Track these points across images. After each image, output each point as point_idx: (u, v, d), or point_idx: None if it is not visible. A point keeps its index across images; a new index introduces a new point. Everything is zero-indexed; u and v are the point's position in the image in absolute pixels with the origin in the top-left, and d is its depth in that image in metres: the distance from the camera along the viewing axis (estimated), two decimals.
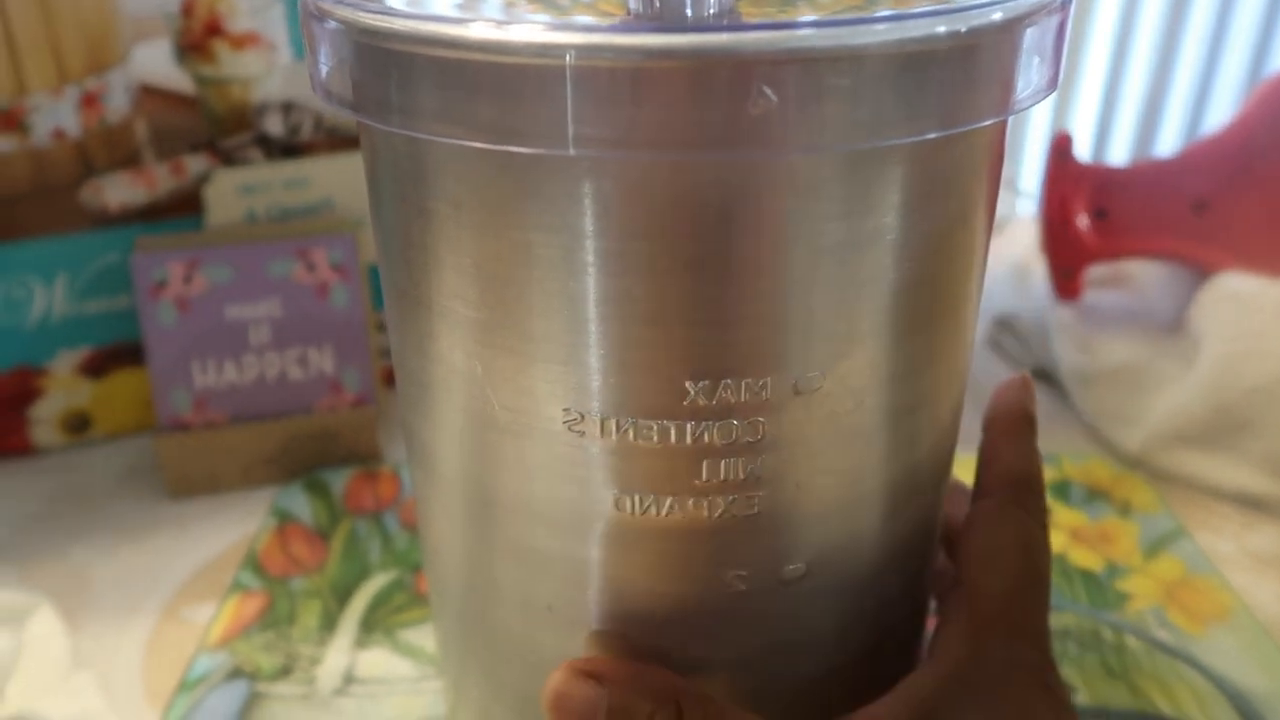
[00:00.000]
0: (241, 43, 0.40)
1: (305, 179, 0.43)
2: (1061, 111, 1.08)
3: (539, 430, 0.19)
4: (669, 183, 0.16)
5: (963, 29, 0.16)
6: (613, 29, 0.15)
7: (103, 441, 0.44)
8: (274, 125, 0.42)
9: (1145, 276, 0.50)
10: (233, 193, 0.42)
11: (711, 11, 0.19)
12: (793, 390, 0.18)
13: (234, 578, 0.36)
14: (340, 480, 0.41)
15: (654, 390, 0.18)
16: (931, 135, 0.16)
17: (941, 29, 0.16)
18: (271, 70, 0.41)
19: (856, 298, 0.18)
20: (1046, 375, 0.47)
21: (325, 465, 0.42)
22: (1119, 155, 0.87)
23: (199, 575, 0.37)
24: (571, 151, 0.16)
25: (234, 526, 0.39)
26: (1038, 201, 0.50)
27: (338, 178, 0.44)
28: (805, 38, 0.15)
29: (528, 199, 0.17)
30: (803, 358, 0.18)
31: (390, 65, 0.17)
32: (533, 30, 0.15)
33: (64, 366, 0.43)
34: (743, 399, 0.18)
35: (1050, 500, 0.39)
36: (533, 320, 0.18)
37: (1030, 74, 0.17)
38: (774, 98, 0.15)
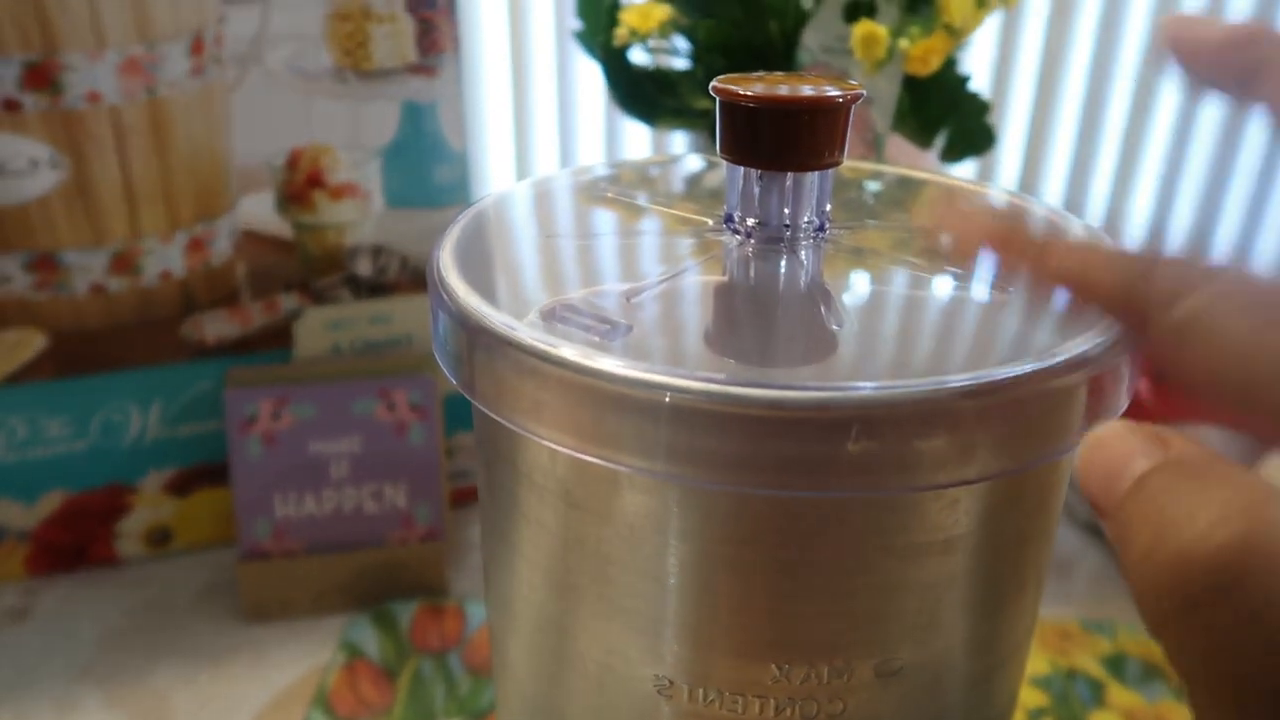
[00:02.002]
0: (340, 193, 0.43)
1: (388, 316, 0.45)
2: None
3: (626, 687, 0.20)
4: (759, 502, 0.18)
5: (1048, 378, 0.17)
6: (713, 379, 0.16)
7: (181, 554, 0.46)
8: (364, 267, 0.44)
9: (1206, 437, 0.50)
10: (321, 328, 0.44)
11: (804, 279, 0.20)
12: (873, 673, 0.19)
13: (305, 716, 0.37)
14: (407, 613, 0.42)
15: (740, 669, 0.19)
16: (1022, 468, 0.17)
17: (1025, 377, 0.17)
18: (365, 218, 0.43)
19: (936, 593, 0.19)
20: (1104, 533, 0.48)
21: (394, 595, 0.43)
22: None
23: (272, 707, 0.38)
24: (661, 474, 0.17)
25: (306, 655, 0.41)
26: None
27: (418, 315, 0.46)
28: (905, 394, 0.16)
29: (625, 494, 0.19)
30: (883, 647, 0.19)
31: (494, 359, 0.18)
32: (632, 366, 0.16)
33: (152, 485, 0.45)
34: (825, 681, 0.19)
35: (1105, 677, 0.39)
36: (627, 596, 0.19)
37: (1113, 399, 0.18)
38: (871, 442, 0.16)
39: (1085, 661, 0.40)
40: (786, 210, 0.21)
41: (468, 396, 0.20)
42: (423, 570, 0.43)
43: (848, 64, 0.39)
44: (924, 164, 0.50)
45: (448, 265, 0.20)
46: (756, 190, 0.21)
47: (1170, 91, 0.77)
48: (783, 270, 0.21)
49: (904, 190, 0.27)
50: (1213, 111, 0.76)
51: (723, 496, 0.18)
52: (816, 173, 0.21)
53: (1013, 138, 0.90)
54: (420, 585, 0.43)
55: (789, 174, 0.20)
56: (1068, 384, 0.17)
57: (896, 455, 0.16)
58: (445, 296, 0.19)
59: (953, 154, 0.43)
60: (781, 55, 0.42)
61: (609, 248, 0.22)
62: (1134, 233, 0.82)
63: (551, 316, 0.18)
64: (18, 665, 0.40)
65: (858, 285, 0.21)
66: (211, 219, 0.41)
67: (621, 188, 0.26)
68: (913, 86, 0.39)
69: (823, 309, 0.19)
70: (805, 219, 0.21)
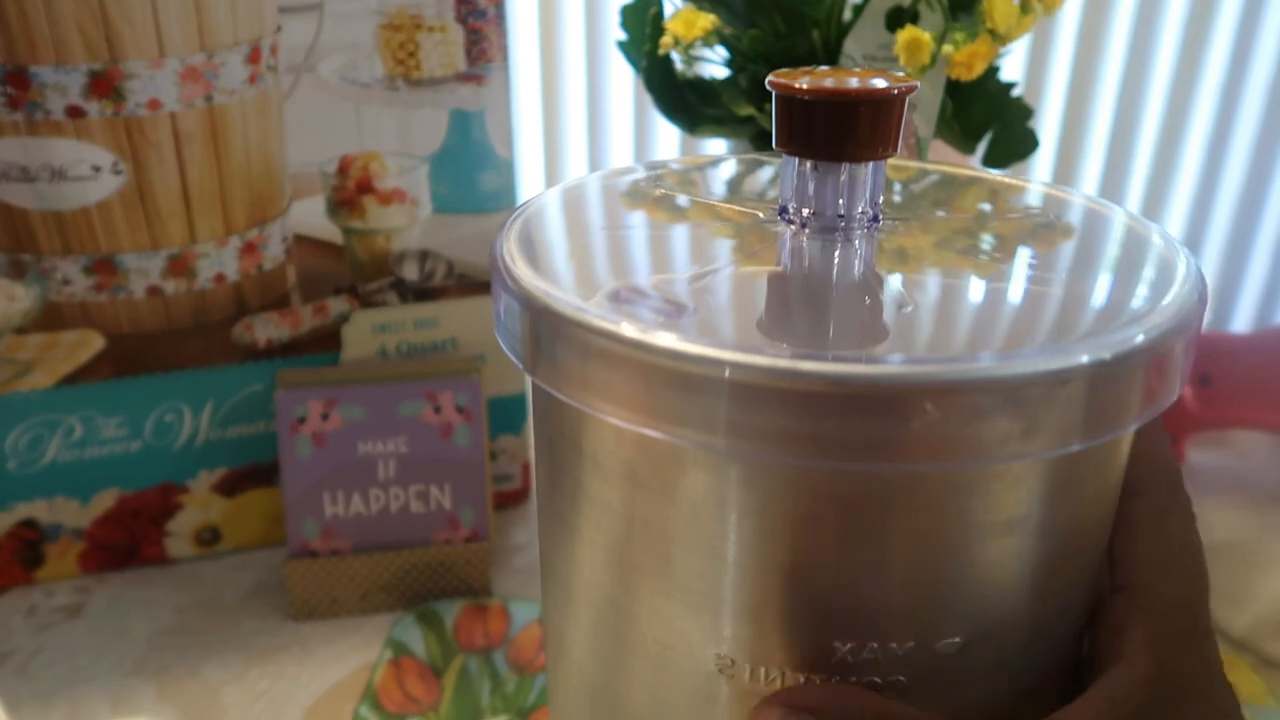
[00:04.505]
0: (389, 199, 0.44)
1: (434, 319, 0.46)
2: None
3: (687, 667, 0.21)
4: (822, 479, 0.18)
5: (1108, 357, 0.17)
6: (777, 353, 0.16)
7: (229, 554, 0.47)
8: (411, 272, 0.45)
9: (1250, 441, 0.49)
10: (368, 332, 0.45)
11: (861, 267, 0.21)
12: (934, 652, 0.19)
13: (354, 711, 0.38)
14: (452, 612, 0.43)
15: (803, 646, 0.19)
16: (1078, 447, 0.17)
17: (1088, 359, 0.17)
18: (413, 223, 0.44)
19: (998, 571, 0.19)
20: None
21: (439, 595, 0.44)
22: (1241, 323, 0.84)
23: (321, 703, 0.39)
24: (722, 449, 0.17)
25: (353, 652, 0.41)
26: None
27: (463, 319, 0.46)
28: (966, 370, 0.16)
29: (688, 471, 0.19)
30: (944, 625, 0.19)
31: (559, 339, 0.19)
32: (693, 342, 0.17)
33: (202, 485, 0.46)
34: (887, 657, 0.19)
35: None
36: (689, 575, 0.20)
37: (1171, 378, 0.19)
38: (933, 412, 0.17)
39: None
40: (841, 201, 0.21)
41: (531, 377, 0.20)
42: (466, 571, 0.44)
43: (891, 71, 0.39)
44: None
45: (512, 252, 0.21)
46: (811, 181, 0.21)
47: (1207, 91, 0.76)
48: (840, 258, 0.21)
49: (950, 188, 0.27)
50: (1251, 111, 0.76)
51: (785, 473, 0.18)
52: (870, 164, 0.21)
53: (1046, 140, 0.90)
54: (464, 585, 0.44)
55: (844, 165, 0.21)
56: (1130, 367, 0.17)
57: (961, 431, 0.17)
58: (509, 280, 0.20)
59: (996, 159, 0.43)
60: (824, 64, 0.42)
61: (666, 237, 0.23)
62: (1173, 229, 0.81)
63: (618, 299, 0.19)
64: (72, 661, 0.41)
65: (915, 273, 0.21)
66: (264, 224, 0.42)
67: (673, 185, 0.26)
68: (956, 92, 0.40)
69: (883, 294, 0.20)
70: (860, 209, 0.21)
